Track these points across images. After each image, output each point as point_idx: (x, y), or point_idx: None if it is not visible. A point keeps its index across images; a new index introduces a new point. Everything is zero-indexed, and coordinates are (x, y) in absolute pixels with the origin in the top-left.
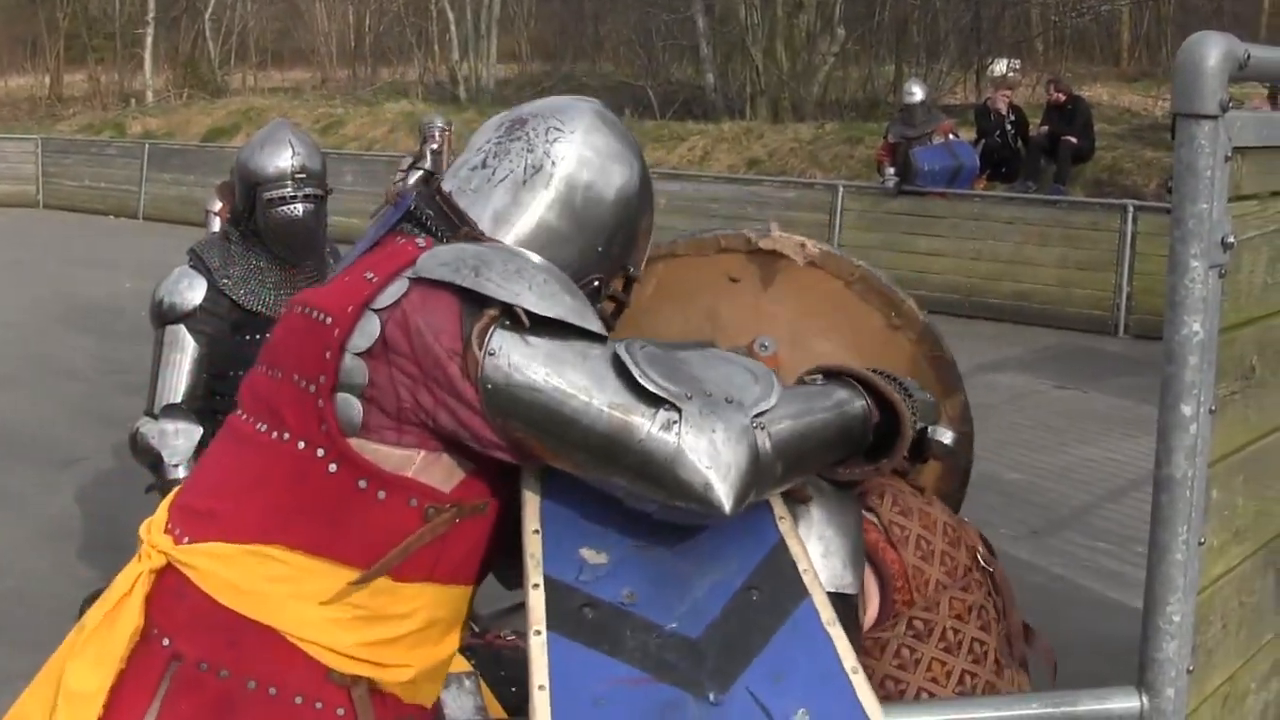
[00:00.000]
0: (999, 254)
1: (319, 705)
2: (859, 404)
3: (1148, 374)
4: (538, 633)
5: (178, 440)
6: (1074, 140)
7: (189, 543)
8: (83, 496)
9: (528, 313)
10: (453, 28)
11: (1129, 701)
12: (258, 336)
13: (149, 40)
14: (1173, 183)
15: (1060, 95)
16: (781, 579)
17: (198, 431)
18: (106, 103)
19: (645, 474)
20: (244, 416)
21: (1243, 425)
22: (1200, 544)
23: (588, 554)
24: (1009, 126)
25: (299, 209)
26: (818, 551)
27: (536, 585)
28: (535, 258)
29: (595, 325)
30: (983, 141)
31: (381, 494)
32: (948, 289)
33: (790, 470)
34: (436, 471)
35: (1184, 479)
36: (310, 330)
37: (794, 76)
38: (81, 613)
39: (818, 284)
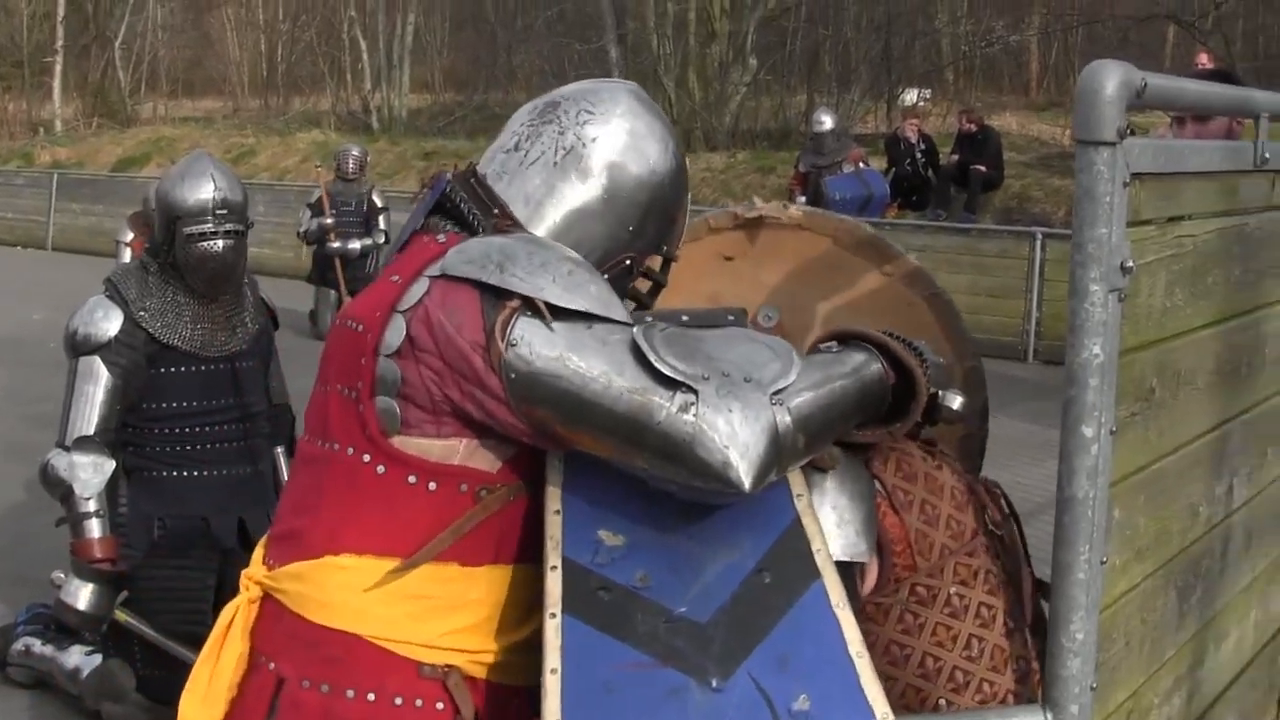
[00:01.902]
0: None
1: (419, 703)
2: (875, 366)
3: (1056, 399)
4: (553, 615)
5: (89, 473)
6: (984, 169)
7: (277, 568)
8: None
9: (550, 304)
10: (365, 57)
11: (1034, 718)
12: (173, 369)
13: (58, 69)
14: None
15: (972, 125)
16: (794, 560)
17: (110, 464)
18: (14, 132)
19: (665, 455)
20: (307, 438)
21: (1143, 446)
22: (1102, 563)
23: (605, 536)
24: (919, 155)
25: (219, 244)
26: (831, 521)
27: (554, 567)
28: (563, 249)
29: (618, 313)
30: (893, 170)
31: (432, 485)
32: None
33: (813, 441)
34: (483, 457)
35: (1085, 499)
36: (349, 340)
37: (706, 106)
38: None
39: (808, 247)
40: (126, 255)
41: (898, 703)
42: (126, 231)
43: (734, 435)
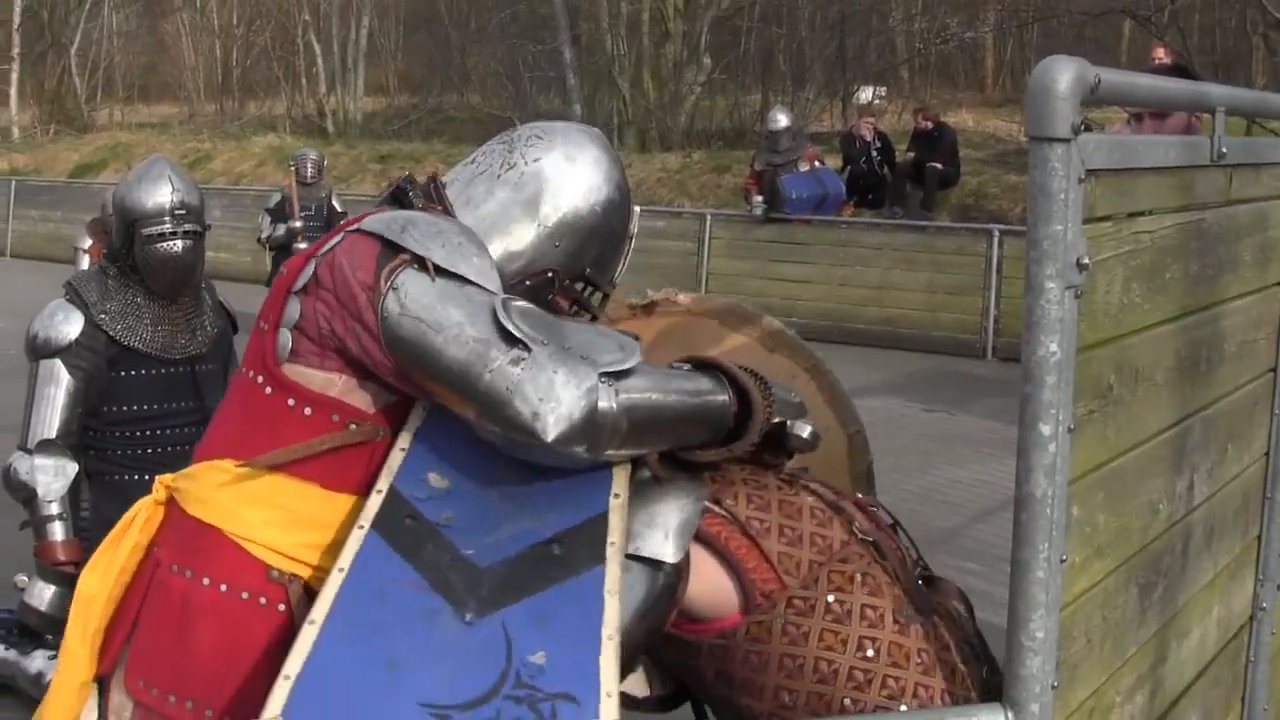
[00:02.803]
0: (867, 280)
1: (263, 600)
2: (720, 396)
3: (1016, 396)
4: (360, 527)
5: (51, 476)
6: (939, 166)
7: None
8: None
9: (435, 266)
10: (319, 61)
11: (994, 717)
12: (134, 372)
13: (14, 76)
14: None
15: (928, 123)
16: (588, 543)
17: (73, 467)
18: None
19: (489, 404)
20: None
21: (1101, 443)
22: (1062, 561)
23: (434, 478)
24: (875, 153)
25: (178, 245)
26: (643, 523)
27: (380, 491)
28: (463, 227)
29: (491, 284)
30: (849, 168)
31: (308, 410)
32: (816, 315)
33: (637, 433)
34: (359, 396)
35: (1044, 497)
36: (277, 283)
37: (661, 106)
38: None
39: (697, 328)
40: (84, 261)
41: (802, 709)
42: (84, 238)
43: (550, 391)
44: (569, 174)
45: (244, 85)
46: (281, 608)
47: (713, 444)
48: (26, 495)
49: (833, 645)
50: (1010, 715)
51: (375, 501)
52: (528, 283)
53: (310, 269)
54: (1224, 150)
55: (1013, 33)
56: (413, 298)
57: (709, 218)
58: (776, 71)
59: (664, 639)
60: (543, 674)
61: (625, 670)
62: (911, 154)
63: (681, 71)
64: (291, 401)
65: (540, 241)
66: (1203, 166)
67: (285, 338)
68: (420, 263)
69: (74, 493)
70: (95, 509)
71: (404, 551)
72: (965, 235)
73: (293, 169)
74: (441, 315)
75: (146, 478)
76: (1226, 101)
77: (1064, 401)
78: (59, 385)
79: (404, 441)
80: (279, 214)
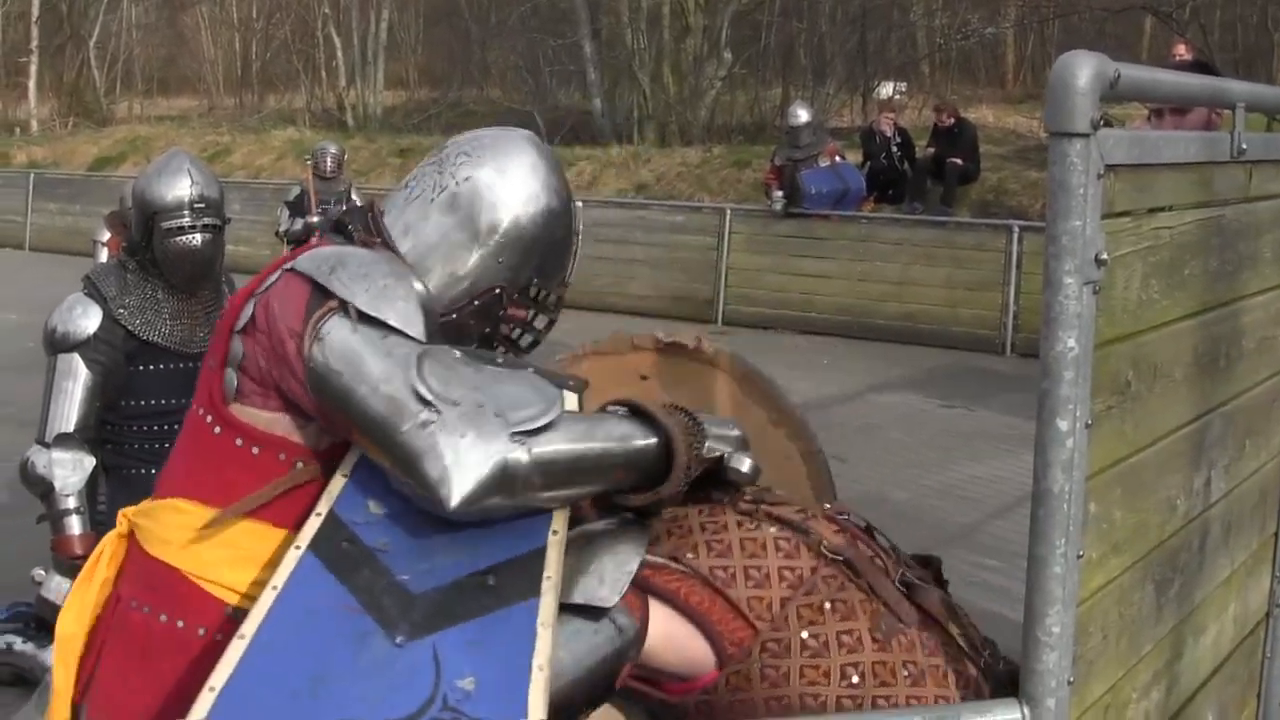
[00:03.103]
0: (886, 275)
1: (219, 637)
2: (644, 440)
3: (1034, 392)
4: (297, 548)
5: (69, 470)
6: (960, 162)
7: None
8: None
9: (359, 313)
10: (340, 55)
11: (1010, 713)
12: (152, 367)
13: (33, 69)
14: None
15: (949, 119)
16: (523, 576)
17: (90, 461)
18: None
19: (403, 461)
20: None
21: (1119, 439)
22: (1079, 557)
23: (372, 505)
24: (895, 149)
25: (197, 239)
26: (578, 570)
27: (319, 514)
28: (393, 267)
29: (415, 331)
30: (869, 164)
31: (255, 450)
32: (836, 310)
33: (555, 484)
34: (307, 434)
35: (1061, 493)
36: (223, 320)
37: (681, 101)
38: None
39: (714, 383)
40: (103, 254)
41: None
42: (103, 231)
43: (457, 457)
44: (501, 188)
45: (263, 78)
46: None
47: (644, 487)
48: (44, 489)
49: (815, 680)
50: (1026, 711)
51: (313, 524)
52: (475, 303)
53: (249, 309)
54: (1244, 146)
55: (1034, 29)
56: (334, 349)
57: (729, 213)
58: (797, 66)
59: (653, 702)
60: (469, 699)
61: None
62: (932, 149)
63: (702, 66)
64: (239, 441)
65: (483, 261)
66: (1222, 163)
67: (230, 378)
68: (346, 309)
69: (91, 487)
70: (112, 503)
71: (339, 573)
72: (985, 231)
73: (309, 163)
74: (362, 368)
75: None
76: (1247, 97)
77: (1082, 397)
78: (77, 379)
79: (345, 469)
80: (297, 207)
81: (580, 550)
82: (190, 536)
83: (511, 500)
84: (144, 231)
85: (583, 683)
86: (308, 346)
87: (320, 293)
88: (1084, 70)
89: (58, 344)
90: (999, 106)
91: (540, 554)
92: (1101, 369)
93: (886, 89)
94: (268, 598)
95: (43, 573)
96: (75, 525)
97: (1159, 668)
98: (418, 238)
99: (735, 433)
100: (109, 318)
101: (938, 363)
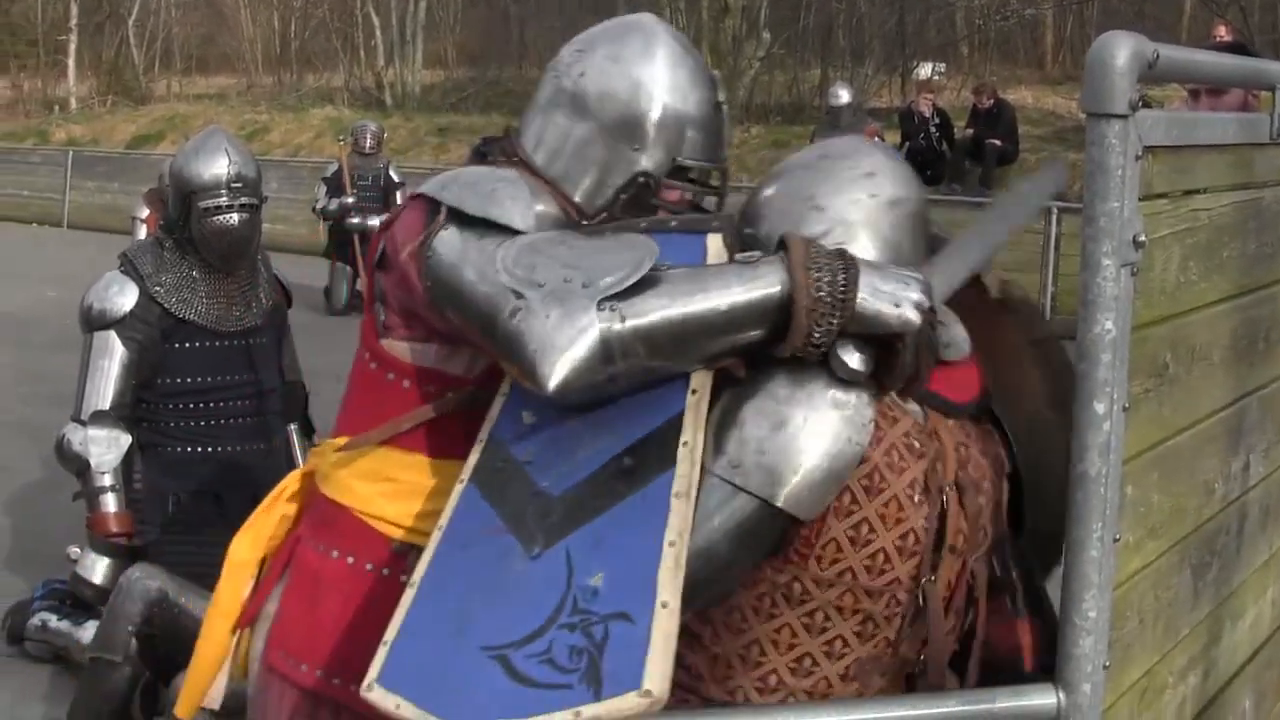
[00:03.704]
0: None
1: (386, 572)
2: (769, 292)
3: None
4: (461, 481)
5: (104, 448)
6: (998, 143)
7: None
8: (2, 507)
9: (465, 216)
10: (378, 33)
11: (1045, 698)
12: (188, 345)
13: (72, 47)
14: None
15: (989, 101)
16: (659, 449)
17: (126, 439)
18: (29, 110)
19: (504, 358)
20: None
21: (1156, 422)
22: (1115, 540)
23: (525, 415)
24: (933, 129)
25: (234, 218)
26: (766, 453)
27: (481, 440)
28: (504, 174)
29: (521, 224)
30: (907, 144)
31: (406, 383)
32: None
33: (664, 351)
34: (456, 362)
35: (1098, 476)
36: (367, 257)
37: (720, 81)
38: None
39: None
40: (142, 232)
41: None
42: (141, 208)
43: (545, 340)
44: (616, 76)
45: (302, 57)
46: (404, 579)
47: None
48: (79, 467)
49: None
50: (1062, 696)
51: (475, 452)
52: (622, 196)
53: (382, 244)
54: None
55: (1073, 10)
56: (442, 258)
57: None
58: (836, 47)
59: None
60: (598, 597)
61: (717, 596)
62: (970, 130)
63: (741, 46)
64: (391, 375)
65: (614, 153)
66: (1261, 144)
67: (379, 312)
68: (455, 217)
69: (127, 465)
70: (148, 480)
71: (491, 497)
72: None
73: (343, 143)
74: (464, 272)
75: (199, 450)
76: None
77: (1119, 380)
78: (113, 357)
79: (505, 386)
80: (334, 186)
81: (773, 421)
82: (347, 471)
83: (618, 372)
84: (181, 210)
85: (725, 551)
86: (423, 263)
87: (434, 209)
88: (1122, 50)
89: (94, 321)
90: (1037, 87)
91: (678, 419)
92: (1139, 352)
93: (925, 70)
94: (434, 539)
95: (78, 550)
96: (110, 503)
97: (1195, 653)
98: (548, 146)
99: (914, 295)
100: (145, 295)
101: None
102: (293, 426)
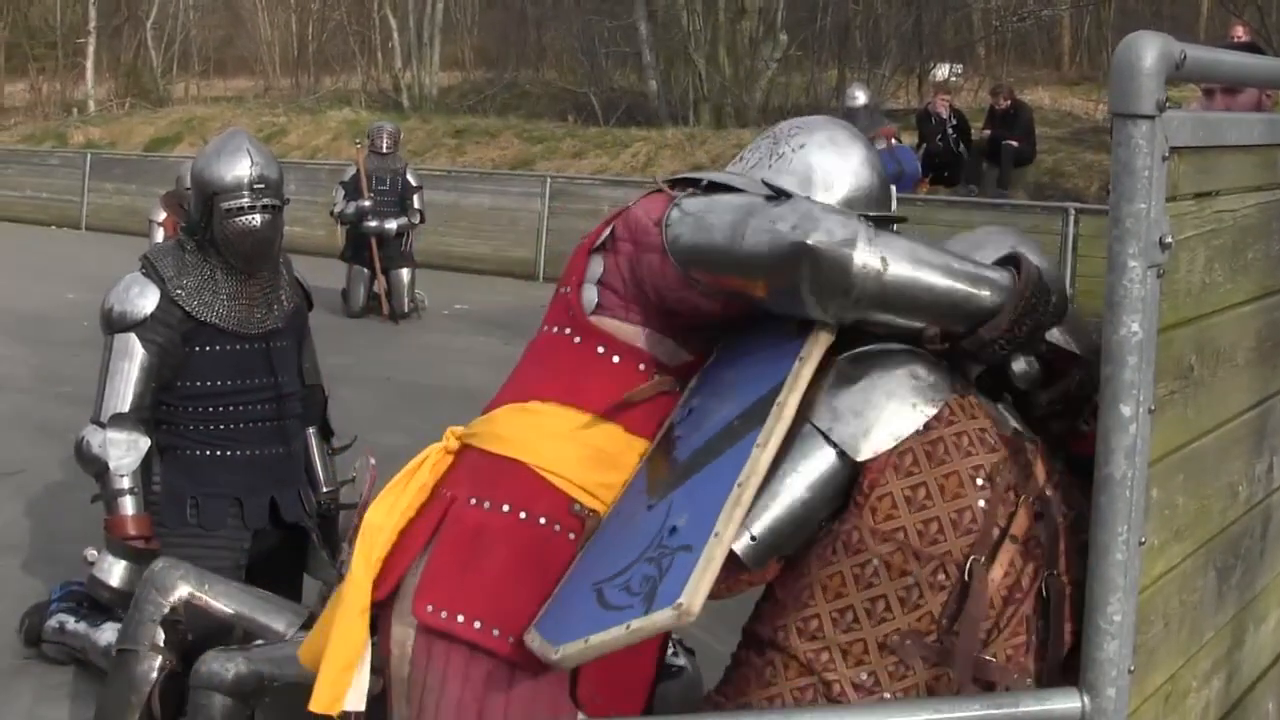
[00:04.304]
0: None
1: (557, 528)
2: (992, 296)
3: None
4: (641, 455)
5: (123, 450)
6: (1015, 144)
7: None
8: (20, 508)
9: (711, 182)
10: (395, 36)
11: (1070, 702)
12: (209, 348)
13: (90, 49)
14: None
15: (1006, 102)
16: (760, 408)
17: (145, 442)
18: (48, 112)
19: (754, 246)
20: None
21: (1181, 425)
22: (1141, 543)
23: (694, 400)
24: (950, 131)
25: (257, 219)
26: (849, 406)
27: (663, 426)
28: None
29: (766, 191)
30: (924, 146)
31: (616, 358)
32: None
33: (889, 300)
34: (664, 349)
35: (1124, 479)
36: (578, 249)
37: (737, 82)
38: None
39: None
40: (159, 235)
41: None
42: (158, 211)
43: (812, 216)
44: (834, 154)
45: (319, 59)
46: (572, 537)
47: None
48: (98, 469)
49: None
50: (1086, 700)
51: (658, 436)
52: None
53: (608, 230)
54: None
55: (1090, 10)
56: (690, 206)
57: None
58: (853, 48)
59: None
60: (675, 534)
61: (788, 542)
62: (987, 132)
63: (757, 47)
64: (601, 349)
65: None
66: None
67: (590, 293)
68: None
69: (145, 467)
70: (166, 483)
71: (649, 468)
72: (1041, 214)
73: (359, 146)
74: (715, 211)
75: (218, 453)
76: None
77: (1145, 382)
78: (133, 359)
79: (695, 381)
80: (352, 189)
81: (861, 386)
82: (540, 433)
83: (851, 297)
84: (203, 211)
85: (805, 500)
86: (668, 218)
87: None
88: (1150, 51)
89: (115, 323)
90: (1055, 88)
91: (780, 385)
92: (1164, 353)
93: (942, 71)
94: (608, 515)
95: (95, 553)
96: (129, 506)
97: (1220, 656)
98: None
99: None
100: (166, 298)
101: None
102: (312, 430)
